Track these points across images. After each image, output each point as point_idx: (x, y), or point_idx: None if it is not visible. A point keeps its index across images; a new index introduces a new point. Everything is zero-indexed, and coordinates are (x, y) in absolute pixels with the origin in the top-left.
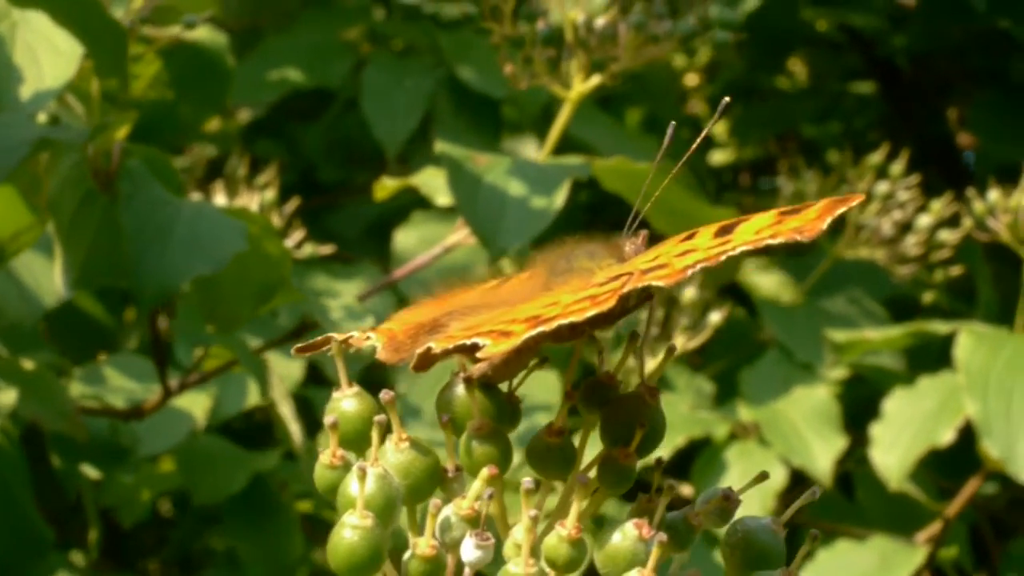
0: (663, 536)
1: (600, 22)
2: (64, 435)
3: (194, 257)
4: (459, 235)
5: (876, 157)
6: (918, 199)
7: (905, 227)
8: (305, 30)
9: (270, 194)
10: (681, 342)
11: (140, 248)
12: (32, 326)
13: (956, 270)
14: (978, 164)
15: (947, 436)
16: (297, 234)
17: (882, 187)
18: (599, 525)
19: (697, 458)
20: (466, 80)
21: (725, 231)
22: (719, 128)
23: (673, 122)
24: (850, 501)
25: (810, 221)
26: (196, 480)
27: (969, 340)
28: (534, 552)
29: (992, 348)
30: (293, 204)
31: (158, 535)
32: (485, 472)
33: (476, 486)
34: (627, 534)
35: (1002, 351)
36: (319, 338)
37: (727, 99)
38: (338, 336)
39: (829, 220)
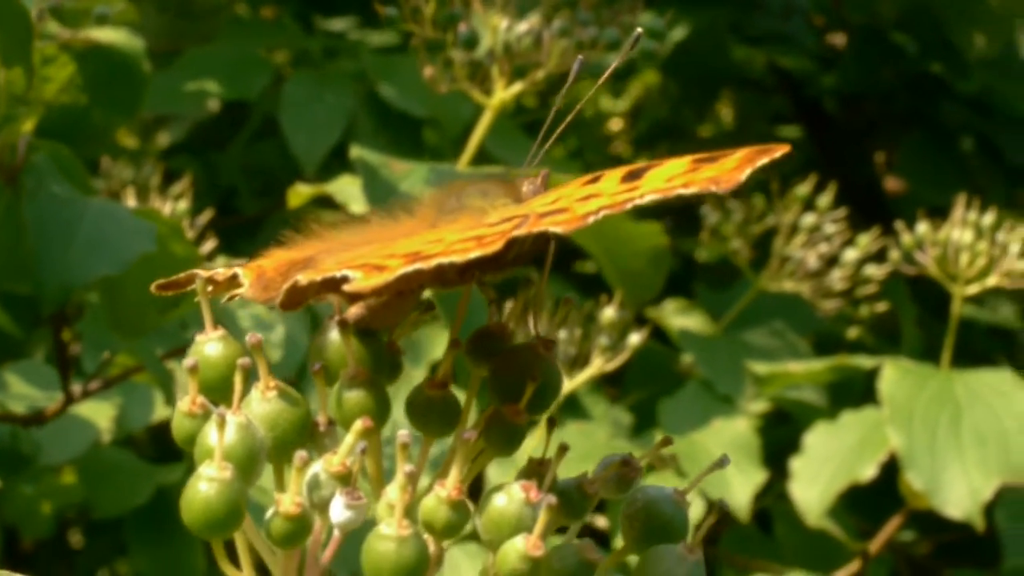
0: (552, 499)
1: (523, 27)
2: None
3: (98, 256)
4: None
5: (803, 188)
6: (845, 232)
7: (831, 261)
8: (226, 44)
9: (183, 204)
10: (600, 363)
11: (43, 245)
12: None
13: (881, 306)
14: (904, 206)
15: (869, 471)
16: (209, 244)
17: (808, 219)
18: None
19: None
20: (388, 98)
21: (633, 176)
22: None
23: (580, 56)
24: (768, 537)
25: (727, 172)
26: (98, 492)
27: (894, 373)
28: (409, 513)
29: (917, 382)
30: (207, 216)
31: (65, 563)
32: (358, 424)
33: (348, 440)
34: (513, 497)
35: (927, 385)
36: (182, 275)
37: (640, 30)
38: (202, 272)
39: (749, 171)
